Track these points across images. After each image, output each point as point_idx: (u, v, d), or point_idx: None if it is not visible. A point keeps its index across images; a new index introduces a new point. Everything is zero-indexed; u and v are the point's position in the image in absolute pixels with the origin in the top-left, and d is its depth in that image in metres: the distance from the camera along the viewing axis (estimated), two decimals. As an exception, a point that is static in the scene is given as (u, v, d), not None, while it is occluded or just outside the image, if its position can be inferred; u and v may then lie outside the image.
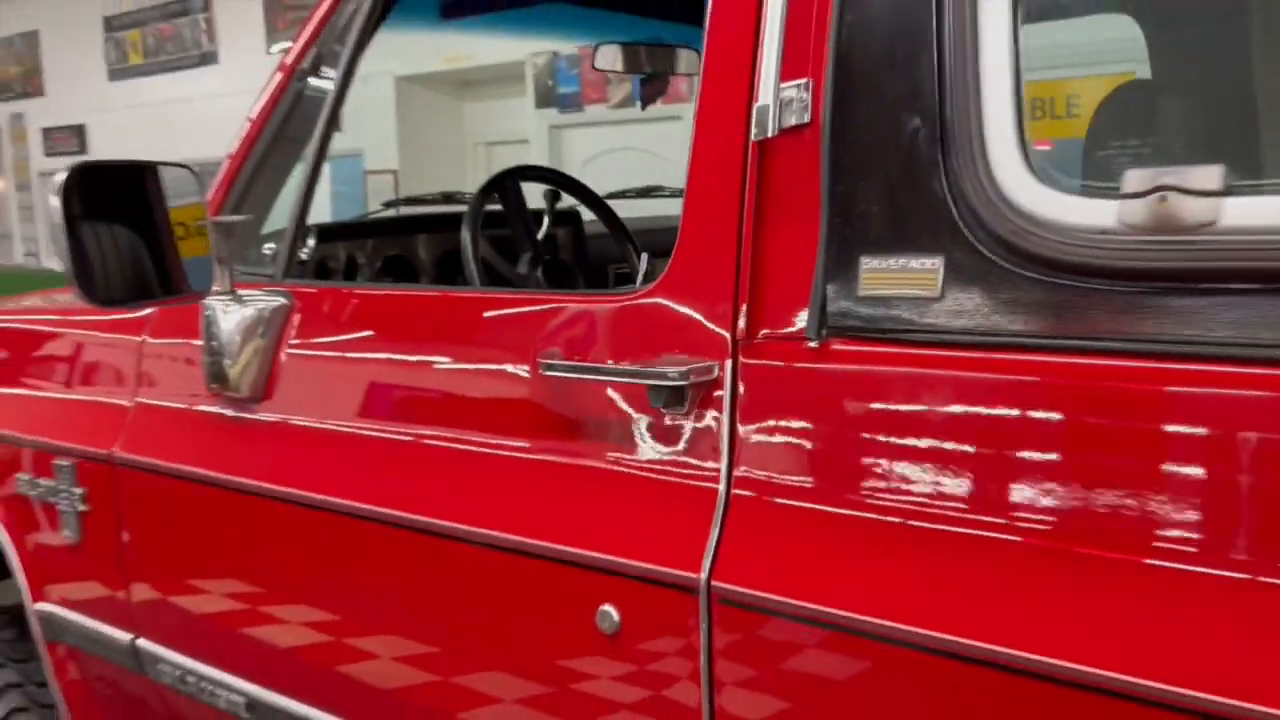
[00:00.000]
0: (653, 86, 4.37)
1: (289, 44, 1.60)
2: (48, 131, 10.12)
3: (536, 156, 6.17)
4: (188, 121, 8.43)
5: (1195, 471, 0.77)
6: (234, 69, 7.98)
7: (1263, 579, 0.72)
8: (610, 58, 2.12)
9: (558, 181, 1.95)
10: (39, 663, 1.96)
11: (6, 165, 10.82)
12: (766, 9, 0.98)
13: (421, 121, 6.87)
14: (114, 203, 1.39)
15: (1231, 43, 1.28)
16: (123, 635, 1.64)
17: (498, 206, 1.77)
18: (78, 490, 1.66)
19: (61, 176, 1.24)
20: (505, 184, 1.72)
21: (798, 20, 0.96)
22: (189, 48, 8.39)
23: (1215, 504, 0.76)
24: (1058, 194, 0.83)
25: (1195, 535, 0.76)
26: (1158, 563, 0.76)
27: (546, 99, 5.98)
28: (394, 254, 1.86)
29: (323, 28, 1.53)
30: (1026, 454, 0.84)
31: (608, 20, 2.16)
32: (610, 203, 2.16)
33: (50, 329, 1.89)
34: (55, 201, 1.23)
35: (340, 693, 1.33)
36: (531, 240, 1.76)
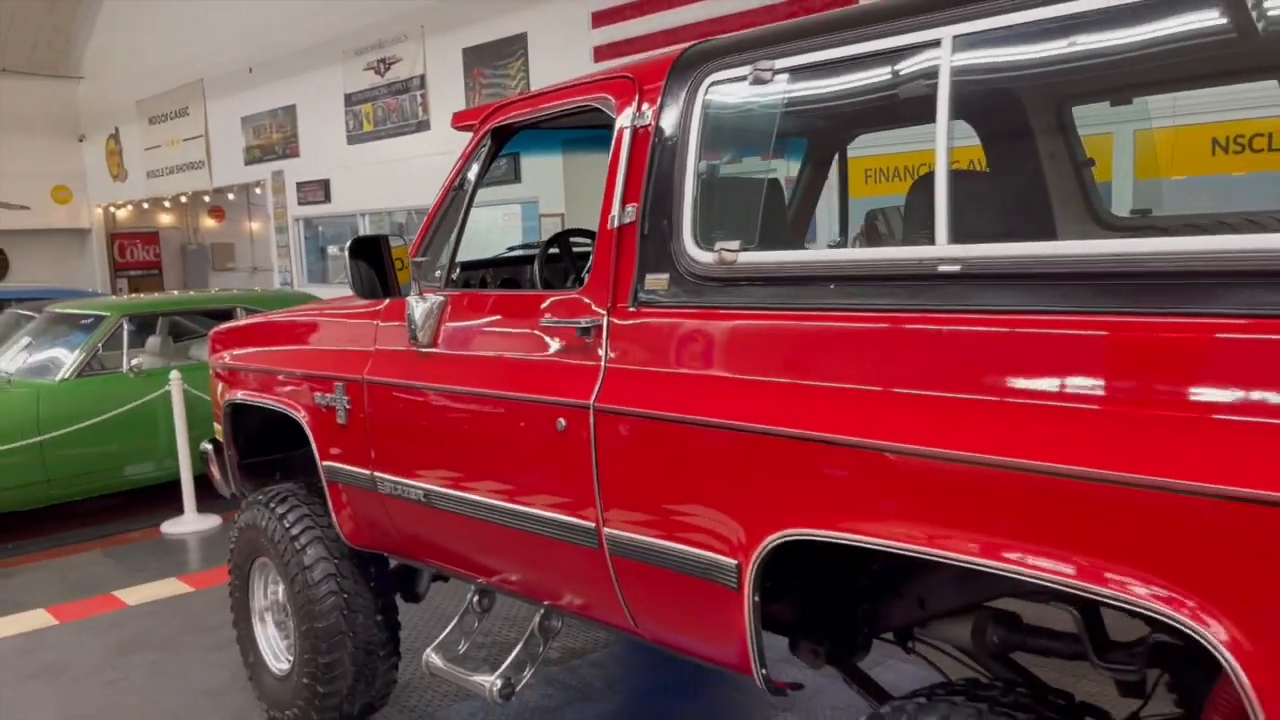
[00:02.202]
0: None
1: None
2: (300, 185, 12.44)
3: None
4: (407, 175, 10.45)
5: (728, 350, 2.16)
6: (442, 134, 9.88)
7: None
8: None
9: (590, 236, 3.43)
10: (316, 505, 3.58)
11: (269, 212, 13.30)
12: (618, 177, 2.43)
13: (583, 174, 8.48)
14: (369, 252, 2.94)
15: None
16: (365, 471, 3.22)
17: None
18: (346, 398, 3.25)
19: (347, 243, 2.81)
20: (559, 239, 3.22)
21: (631, 181, 2.40)
22: (408, 117, 10.38)
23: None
24: (701, 249, 2.24)
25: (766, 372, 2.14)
26: (755, 378, 2.15)
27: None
28: (507, 276, 3.39)
29: (467, 159, 3.06)
30: (695, 344, 2.24)
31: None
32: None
33: (335, 315, 3.52)
34: (346, 255, 2.80)
35: (461, 479, 2.83)
36: (575, 268, 3.24)
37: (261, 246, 15.39)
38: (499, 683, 2.94)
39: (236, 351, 3.95)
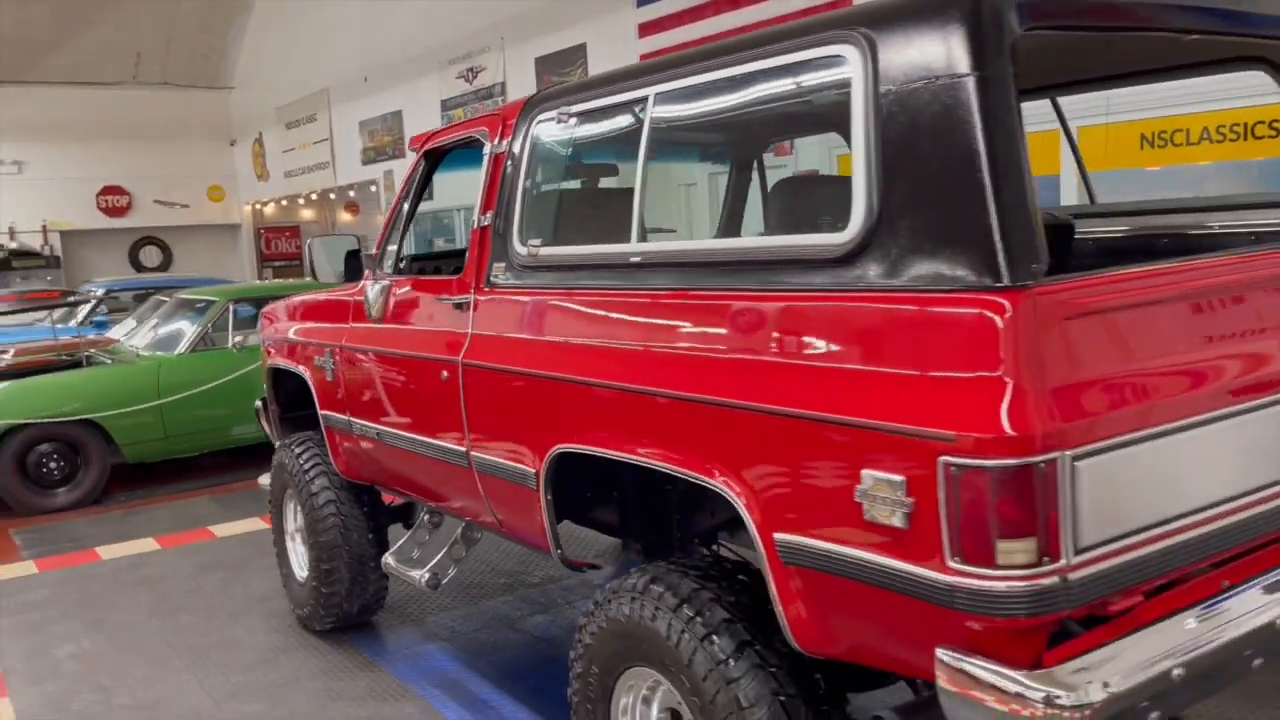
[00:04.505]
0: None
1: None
2: (407, 182, 13.70)
3: (701, 192, 8.46)
4: (493, 173, 11.49)
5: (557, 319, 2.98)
6: (518, 136, 10.89)
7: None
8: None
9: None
10: (325, 448, 4.55)
11: (383, 207, 14.64)
12: (481, 190, 3.27)
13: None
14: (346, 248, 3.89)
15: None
16: (345, 417, 4.17)
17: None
18: (332, 360, 4.20)
19: (310, 242, 3.75)
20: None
21: (490, 193, 3.25)
22: (492, 121, 11.39)
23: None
24: (523, 246, 3.06)
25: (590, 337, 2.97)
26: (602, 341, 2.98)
27: (709, 155, 8.25)
28: (457, 265, 4.27)
29: (410, 175, 3.96)
30: (514, 314, 3.07)
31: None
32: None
33: (334, 297, 4.48)
34: (318, 250, 3.75)
35: (396, 420, 3.73)
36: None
37: (384, 239, 16.79)
38: (427, 575, 3.84)
39: (274, 326, 4.98)
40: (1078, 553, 1.80)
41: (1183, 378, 1.92)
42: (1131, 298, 1.89)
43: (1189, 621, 1.93)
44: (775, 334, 2.16)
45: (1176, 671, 1.83)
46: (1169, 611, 1.95)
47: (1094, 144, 5.62)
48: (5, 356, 8.73)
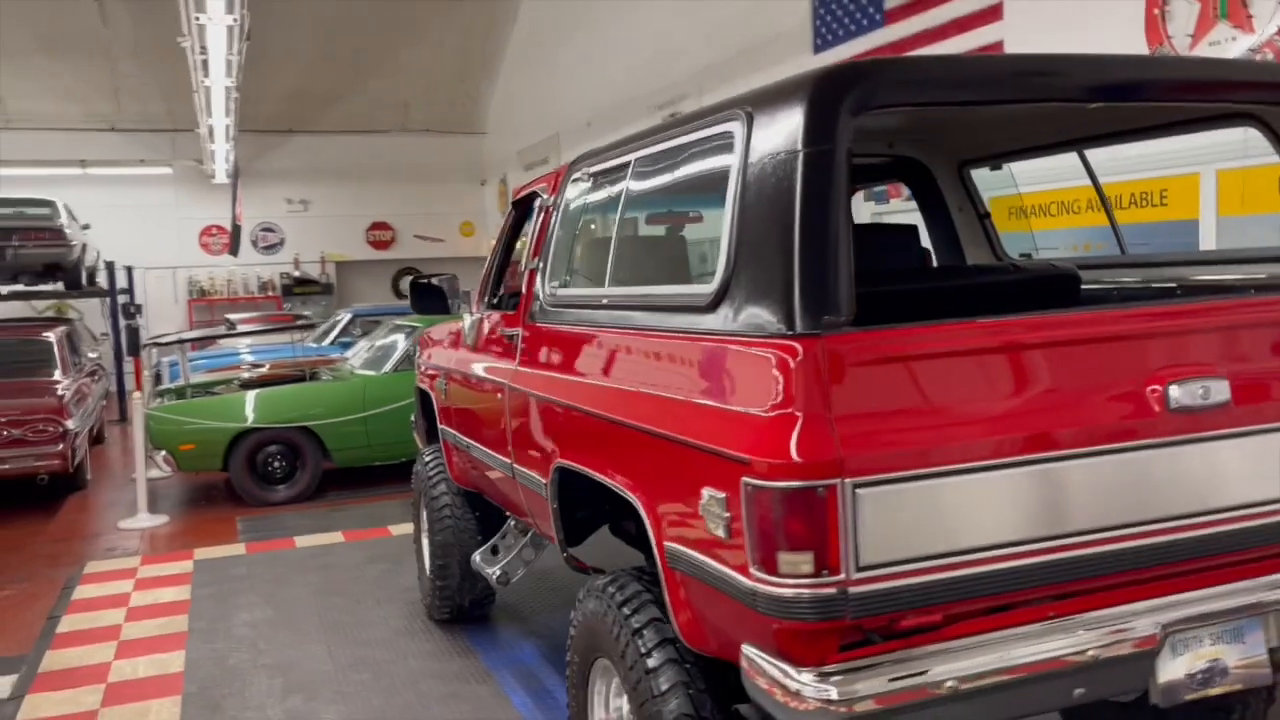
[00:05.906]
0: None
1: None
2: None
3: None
4: (690, 213, 12.06)
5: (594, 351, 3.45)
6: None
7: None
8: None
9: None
10: (442, 457, 5.20)
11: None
12: (532, 238, 3.78)
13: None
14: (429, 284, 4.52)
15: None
16: (453, 430, 4.79)
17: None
18: (445, 382, 4.85)
19: (407, 280, 4.40)
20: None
21: (538, 241, 3.76)
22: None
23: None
24: (556, 287, 3.54)
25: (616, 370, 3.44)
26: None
27: (869, 196, 8.41)
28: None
29: (504, 232, 4.54)
30: (540, 345, 3.55)
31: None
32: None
33: (448, 329, 5.14)
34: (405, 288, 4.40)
35: (477, 433, 4.29)
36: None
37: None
38: (498, 572, 4.37)
39: (423, 352, 5.72)
40: (859, 570, 2.04)
41: (974, 425, 2.11)
42: (921, 349, 2.11)
43: (992, 644, 2.11)
44: (662, 366, 2.52)
45: (950, 683, 2.03)
46: (976, 631, 2.13)
47: (1232, 188, 5.41)
48: (261, 369, 10.20)
